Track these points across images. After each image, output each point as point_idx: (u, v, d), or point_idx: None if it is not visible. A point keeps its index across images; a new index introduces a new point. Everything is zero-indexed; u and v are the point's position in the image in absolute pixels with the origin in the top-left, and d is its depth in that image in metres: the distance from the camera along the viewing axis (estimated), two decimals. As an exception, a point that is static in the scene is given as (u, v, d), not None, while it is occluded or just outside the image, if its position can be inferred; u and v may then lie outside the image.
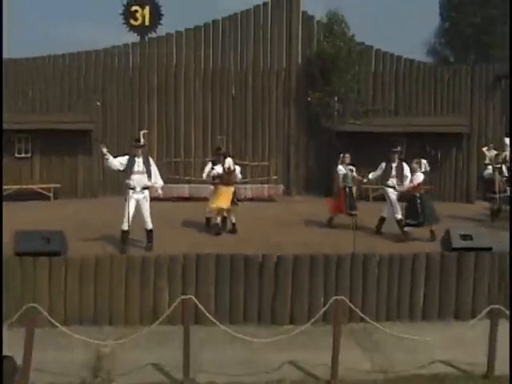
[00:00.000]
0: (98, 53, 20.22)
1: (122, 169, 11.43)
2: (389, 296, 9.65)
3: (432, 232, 12.57)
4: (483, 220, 14.98)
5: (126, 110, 20.21)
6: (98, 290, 9.30)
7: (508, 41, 22.49)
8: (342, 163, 14.10)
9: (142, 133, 12.73)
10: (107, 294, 9.31)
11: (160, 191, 11.95)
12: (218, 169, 13.51)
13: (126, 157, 11.46)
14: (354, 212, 13.67)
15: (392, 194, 13.33)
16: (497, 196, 14.55)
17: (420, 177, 12.88)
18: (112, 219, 11.71)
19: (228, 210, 13.40)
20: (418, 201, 12.72)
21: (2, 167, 16.26)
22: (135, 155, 11.44)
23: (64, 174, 19.14)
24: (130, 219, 11.28)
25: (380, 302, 9.63)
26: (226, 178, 13.46)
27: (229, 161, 13.64)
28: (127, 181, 11.36)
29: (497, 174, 14.63)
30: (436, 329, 9.10)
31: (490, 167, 15.05)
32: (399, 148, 14.14)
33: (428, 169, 13.08)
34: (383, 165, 13.56)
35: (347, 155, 14.16)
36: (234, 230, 13.40)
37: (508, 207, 14.77)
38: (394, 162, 13.52)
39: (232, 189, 13.47)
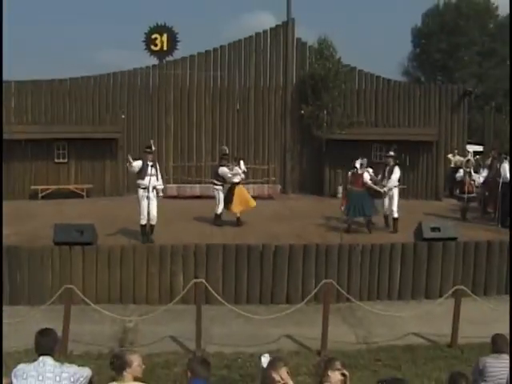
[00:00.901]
0: (124, 74, 20.18)
1: (138, 171, 11.44)
2: (370, 279, 9.67)
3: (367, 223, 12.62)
4: (450, 216, 14.95)
5: (147, 122, 20.19)
6: (123, 274, 9.33)
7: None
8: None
9: (152, 141, 12.63)
10: (131, 278, 9.34)
11: (161, 193, 11.92)
12: (240, 170, 13.39)
13: (140, 161, 11.45)
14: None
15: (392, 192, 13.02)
16: (465, 196, 14.53)
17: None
18: (134, 214, 11.72)
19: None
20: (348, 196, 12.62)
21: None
22: (147, 160, 11.41)
23: (94, 176, 19.10)
24: (146, 215, 11.29)
25: (363, 284, 9.65)
26: (243, 178, 13.51)
27: (242, 163, 13.72)
28: (140, 181, 11.32)
29: (467, 177, 14.59)
30: (410, 306, 9.12)
31: (462, 170, 14.95)
32: (392, 153, 13.85)
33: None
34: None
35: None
36: (239, 223, 13.34)
37: (471, 205, 14.77)
38: (388, 165, 13.23)
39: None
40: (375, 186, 12.93)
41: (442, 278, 9.80)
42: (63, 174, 18.99)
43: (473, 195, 14.75)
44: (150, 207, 11.28)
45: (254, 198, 14.15)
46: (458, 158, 19.15)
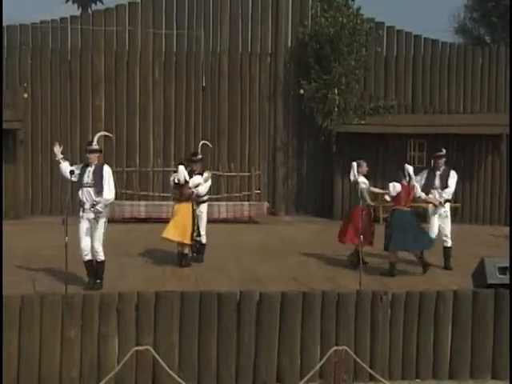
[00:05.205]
0: (25, 29, 20.12)
1: (74, 179, 11.40)
2: (405, 347, 9.65)
3: None
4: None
5: (63, 104, 20.13)
6: (23, 340, 9.19)
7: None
8: None
9: (97, 135, 12.43)
10: (36, 346, 9.20)
11: (100, 208, 11.70)
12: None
13: (81, 165, 11.57)
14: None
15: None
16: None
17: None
18: (39, 246, 11.61)
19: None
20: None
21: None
22: (89, 162, 11.46)
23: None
24: (87, 247, 11.29)
25: (394, 354, 9.62)
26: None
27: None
28: (78, 196, 11.39)
29: None
30: (468, 390, 9.12)
31: None
32: (444, 151, 13.90)
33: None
34: (425, 173, 13.51)
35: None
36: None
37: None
38: (439, 169, 13.44)
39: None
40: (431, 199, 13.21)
41: (517, 345, 9.82)
42: None
43: None
44: (92, 235, 11.32)
45: (227, 221, 14.10)
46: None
